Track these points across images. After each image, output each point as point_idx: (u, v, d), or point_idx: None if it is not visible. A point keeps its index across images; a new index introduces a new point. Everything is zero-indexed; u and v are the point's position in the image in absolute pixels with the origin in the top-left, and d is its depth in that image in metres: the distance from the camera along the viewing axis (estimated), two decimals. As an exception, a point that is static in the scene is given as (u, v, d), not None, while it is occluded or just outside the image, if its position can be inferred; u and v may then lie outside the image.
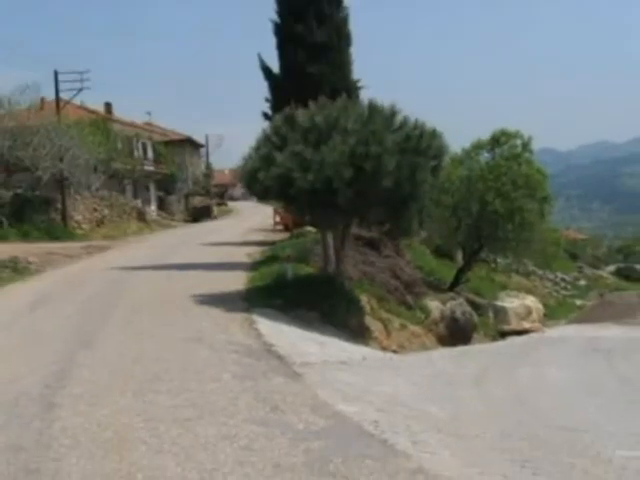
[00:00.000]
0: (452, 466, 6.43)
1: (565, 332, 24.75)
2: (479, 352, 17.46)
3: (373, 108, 16.76)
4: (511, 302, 29.39)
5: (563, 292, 46.45)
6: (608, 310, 28.36)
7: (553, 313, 34.83)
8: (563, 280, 49.87)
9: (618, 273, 60.16)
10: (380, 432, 7.31)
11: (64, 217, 39.75)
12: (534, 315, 29.37)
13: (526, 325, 27.73)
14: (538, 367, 14.08)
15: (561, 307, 39.04)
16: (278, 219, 44.75)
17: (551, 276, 49.11)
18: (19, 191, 39.09)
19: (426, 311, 21.96)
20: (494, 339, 24.38)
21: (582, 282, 52.41)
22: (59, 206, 39.97)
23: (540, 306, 31.31)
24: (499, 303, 29.24)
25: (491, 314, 28.15)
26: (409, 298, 22.38)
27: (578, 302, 41.80)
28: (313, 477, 5.98)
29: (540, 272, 48.30)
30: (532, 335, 24.91)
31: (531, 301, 30.70)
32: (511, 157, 31.11)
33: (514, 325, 27.53)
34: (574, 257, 61.38)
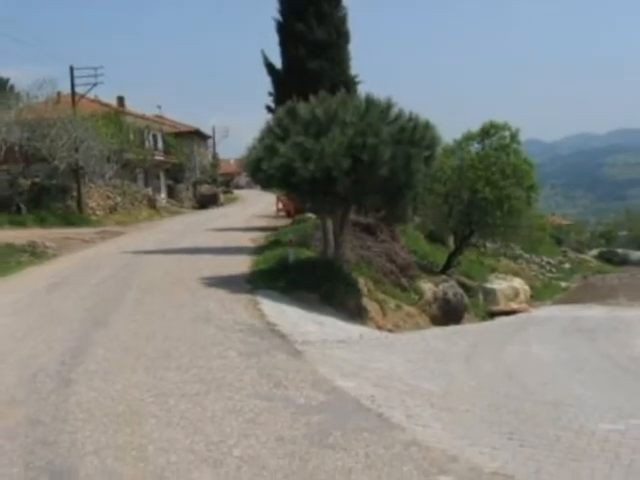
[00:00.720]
0: (444, 438, 6.44)
1: (551, 312, 24.69)
2: (469, 331, 17.44)
3: (370, 102, 16.71)
4: (500, 284, 29.37)
5: (549, 275, 46.39)
6: (591, 291, 28.37)
7: (539, 294, 34.79)
8: (548, 263, 49.80)
9: (600, 257, 60.08)
10: (376, 406, 7.33)
11: (79, 204, 39.72)
12: (521, 296, 29.36)
13: (514, 306, 27.71)
14: (525, 345, 14.08)
15: (547, 289, 38.99)
16: (280, 206, 44.73)
17: (537, 259, 49.05)
18: (37, 180, 39.05)
19: (420, 293, 21.97)
20: (484, 319, 24.37)
21: (566, 265, 52.34)
22: (75, 194, 39.95)
23: (527, 288, 31.29)
24: (488, 285, 29.23)
25: (481, 295, 28.17)
26: (404, 280, 22.38)
27: (563, 284, 41.73)
28: (314, 449, 5.99)
29: (527, 256, 48.25)
30: (519, 315, 24.87)
31: (518, 283, 30.68)
32: (500, 148, 31.10)
33: (502, 306, 27.52)
34: (559, 242, 61.29)
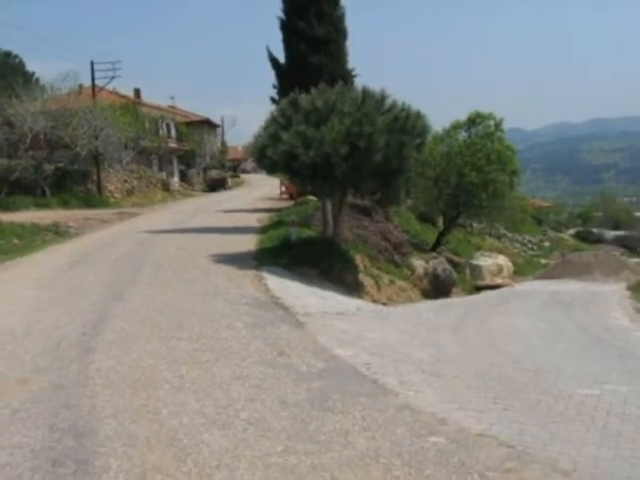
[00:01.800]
0: (434, 402, 6.44)
1: (532, 287, 24.65)
2: (457, 304, 17.42)
3: (366, 93, 16.66)
4: (485, 261, 29.36)
5: (530, 252, 46.43)
6: (569, 268, 28.24)
7: (521, 270, 34.81)
8: (530, 242, 49.82)
9: (577, 236, 60.14)
10: (372, 373, 7.32)
11: (99, 187, 39.63)
12: (505, 272, 29.33)
13: (498, 281, 27.69)
14: (509, 317, 14.06)
15: (528, 265, 39.03)
16: (284, 189, 44.53)
17: (519, 238, 49.06)
18: (60, 165, 38.88)
19: (411, 269, 21.97)
20: (470, 293, 24.36)
21: (546, 244, 52.36)
22: (95, 178, 39.83)
23: (510, 264, 31.26)
24: (475, 262, 29.21)
25: (468, 271, 28.15)
26: (397, 257, 22.39)
27: (543, 261, 41.75)
28: (314, 412, 5.97)
29: (510, 235, 48.26)
30: (503, 289, 24.85)
31: (502, 260, 30.65)
32: (485, 136, 31.03)
33: (488, 281, 27.50)
34: (539, 222, 61.22)
